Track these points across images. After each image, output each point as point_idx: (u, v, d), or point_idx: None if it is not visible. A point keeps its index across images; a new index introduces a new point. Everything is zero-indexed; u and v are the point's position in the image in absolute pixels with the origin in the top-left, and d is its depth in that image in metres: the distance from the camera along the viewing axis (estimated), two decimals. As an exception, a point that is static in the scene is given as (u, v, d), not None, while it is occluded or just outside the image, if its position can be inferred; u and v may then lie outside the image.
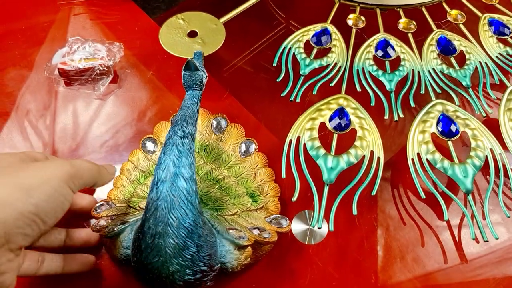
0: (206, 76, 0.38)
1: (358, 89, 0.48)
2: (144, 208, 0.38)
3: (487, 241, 0.40)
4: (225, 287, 0.39)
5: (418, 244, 0.42)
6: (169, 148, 0.32)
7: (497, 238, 0.40)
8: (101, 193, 0.44)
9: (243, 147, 0.45)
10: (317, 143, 0.44)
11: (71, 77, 0.52)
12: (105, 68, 0.51)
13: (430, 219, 0.43)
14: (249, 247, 0.36)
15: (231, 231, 0.36)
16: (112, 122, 0.49)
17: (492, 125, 0.46)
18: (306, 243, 0.41)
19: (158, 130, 0.46)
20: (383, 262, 0.41)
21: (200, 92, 0.37)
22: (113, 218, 0.38)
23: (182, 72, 0.37)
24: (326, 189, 0.41)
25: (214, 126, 0.46)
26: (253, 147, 0.45)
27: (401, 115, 0.46)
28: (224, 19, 0.52)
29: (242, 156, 0.44)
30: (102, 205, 0.41)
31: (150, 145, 0.45)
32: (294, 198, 0.41)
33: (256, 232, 0.37)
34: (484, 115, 0.47)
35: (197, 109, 0.36)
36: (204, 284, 0.33)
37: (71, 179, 0.32)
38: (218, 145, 0.45)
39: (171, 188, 0.31)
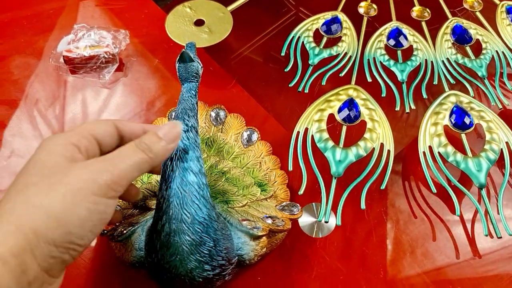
0: (201, 67, 0.36)
1: (369, 79, 0.46)
2: (152, 207, 0.38)
3: (501, 237, 0.39)
4: (232, 279, 0.39)
5: (429, 238, 0.41)
6: None
7: (510, 234, 0.39)
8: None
9: (245, 137, 0.44)
10: (326, 135, 0.43)
11: (76, 65, 0.51)
12: (111, 56, 0.51)
13: (442, 213, 0.42)
14: (264, 237, 0.35)
15: (244, 222, 0.35)
16: (118, 111, 0.49)
17: (509, 117, 0.45)
18: (314, 236, 0.41)
19: None
20: (392, 256, 0.40)
21: (197, 83, 0.35)
22: (121, 220, 0.37)
23: (177, 65, 0.35)
24: (334, 182, 0.40)
25: (213, 117, 0.45)
26: (255, 136, 0.44)
27: (413, 107, 0.45)
28: (232, 7, 0.51)
29: (245, 146, 0.44)
30: None
31: None
32: (301, 191, 0.40)
33: (269, 221, 0.36)
34: (500, 106, 0.46)
35: (196, 101, 0.34)
36: (223, 279, 0.33)
37: (112, 187, 0.27)
38: (219, 137, 0.44)
39: (182, 184, 0.30)
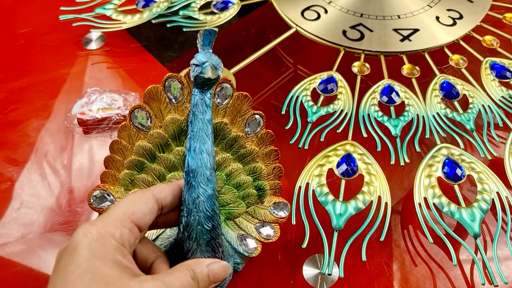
0: (222, 67, 0.33)
1: (365, 135, 0.49)
2: None
3: (497, 286, 0.41)
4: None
5: (430, 287, 0.43)
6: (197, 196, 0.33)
7: (506, 283, 0.41)
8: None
9: (251, 124, 0.41)
10: (326, 189, 0.45)
11: (89, 126, 0.54)
12: (122, 117, 0.54)
13: (442, 261, 0.44)
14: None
15: (241, 237, 0.40)
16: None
17: (498, 167, 0.48)
18: (318, 287, 0.42)
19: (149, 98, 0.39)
20: (395, 305, 0.42)
21: (212, 89, 0.33)
22: None
23: (194, 73, 0.32)
24: (335, 235, 0.43)
25: (217, 91, 0.40)
26: (260, 123, 0.42)
27: (407, 160, 0.47)
28: (235, 69, 0.55)
29: (248, 135, 0.41)
30: (102, 197, 0.39)
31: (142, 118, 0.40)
32: (304, 245, 0.42)
33: (262, 229, 0.41)
34: (490, 157, 0.48)
35: (211, 112, 0.34)
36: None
37: None
38: (224, 127, 0.40)
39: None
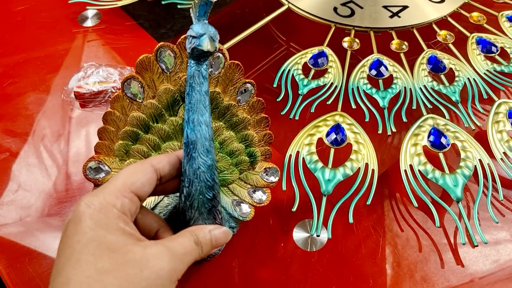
0: (218, 38, 0.33)
1: (353, 106, 0.51)
2: None
3: (477, 245, 0.43)
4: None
5: (415, 248, 0.45)
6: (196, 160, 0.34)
7: (486, 243, 0.43)
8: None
9: (241, 93, 0.42)
10: (315, 157, 0.47)
11: (86, 99, 0.56)
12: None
13: (426, 225, 0.46)
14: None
15: (236, 202, 0.42)
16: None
17: (481, 137, 0.49)
18: (308, 250, 0.44)
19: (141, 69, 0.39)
20: (380, 266, 0.43)
21: (208, 60, 0.33)
22: None
23: (192, 46, 0.32)
24: (324, 199, 0.44)
25: (211, 61, 0.40)
26: (251, 90, 0.42)
27: (394, 130, 0.49)
28: (228, 44, 0.56)
29: (239, 104, 0.42)
30: (98, 168, 0.40)
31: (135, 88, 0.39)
32: (294, 209, 0.44)
33: (255, 194, 0.43)
34: (473, 128, 0.50)
35: (208, 83, 0.33)
36: None
37: (175, 273, 0.30)
38: (217, 95, 0.41)
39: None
